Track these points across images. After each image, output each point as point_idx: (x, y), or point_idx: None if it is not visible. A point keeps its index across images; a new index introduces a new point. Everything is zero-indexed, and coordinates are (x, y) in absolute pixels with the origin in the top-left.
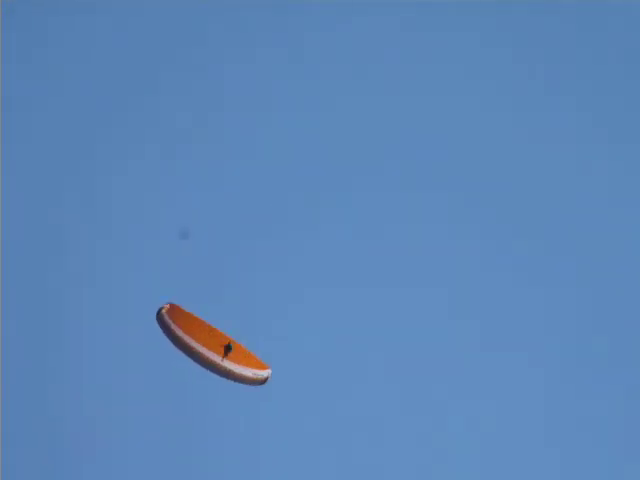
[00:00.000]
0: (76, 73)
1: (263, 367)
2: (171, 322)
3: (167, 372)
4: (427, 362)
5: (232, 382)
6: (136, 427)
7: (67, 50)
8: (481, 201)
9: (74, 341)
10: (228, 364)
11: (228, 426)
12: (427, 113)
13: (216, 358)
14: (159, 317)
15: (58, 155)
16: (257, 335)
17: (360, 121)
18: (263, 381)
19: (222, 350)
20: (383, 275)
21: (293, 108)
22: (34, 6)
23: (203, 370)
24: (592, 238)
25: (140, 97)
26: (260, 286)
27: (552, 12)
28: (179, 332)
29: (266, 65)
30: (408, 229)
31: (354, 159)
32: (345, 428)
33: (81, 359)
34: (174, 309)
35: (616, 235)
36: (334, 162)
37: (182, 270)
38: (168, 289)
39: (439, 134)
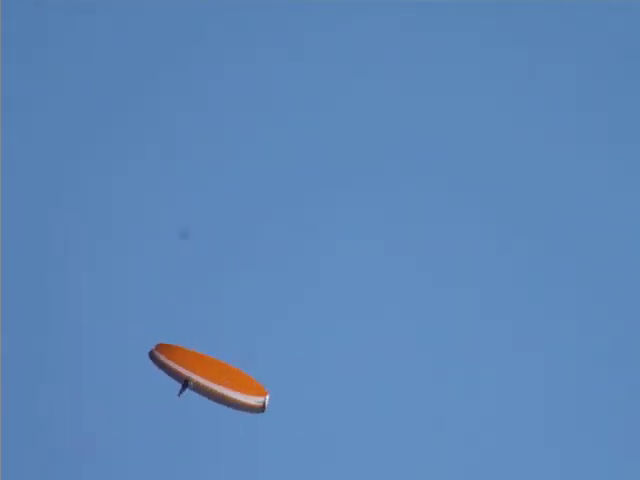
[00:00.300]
0: (76, 73)
1: (262, 393)
2: (167, 360)
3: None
4: (427, 362)
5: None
6: (134, 429)
7: (67, 50)
8: (482, 201)
9: (73, 341)
10: (228, 392)
11: (227, 428)
12: (427, 113)
13: (216, 387)
14: (154, 359)
15: (58, 155)
16: (256, 338)
17: (360, 121)
18: (262, 408)
19: (221, 379)
20: (385, 277)
21: (293, 108)
22: (34, 6)
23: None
24: (594, 238)
25: (140, 97)
26: (260, 287)
27: (553, 12)
28: (174, 365)
29: (266, 65)
30: (410, 228)
31: (354, 158)
32: (346, 433)
33: (80, 359)
34: (165, 348)
35: (618, 234)
36: (334, 162)
37: (181, 270)
38: (168, 289)
39: (440, 134)
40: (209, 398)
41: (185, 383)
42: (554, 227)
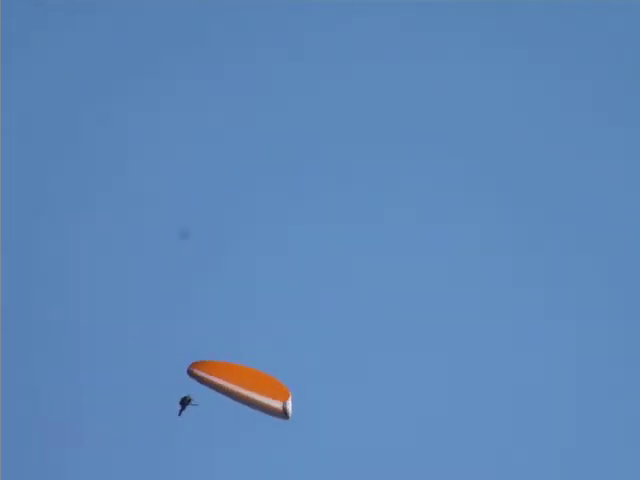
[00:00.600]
0: (75, 73)
1: (285, 395)
2: (203, 373)
3: (169, 371)
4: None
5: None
6: (135, 428)
7: (67, 50)
8: (481, 200)
9: (73, 340)
10: (256, 395)
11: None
12: (427, 112)
13: (241, 390)
14: (192, 374)
15: (58, 154)
16: (259, 330)
17: (360, 120)
18: (285, 413)
19: (247, 383)
20: (387, 275)
21: (293, 107)
22: (34, 6)
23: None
24: (602, 234)
25: (139, 97)
26: (261, 279)
27: (553, 12)
28: (212, 378)
29: (266, 65)
30: (408, 229)
31: (353, 155)
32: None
33: (79, 359)
34: (199, 364)
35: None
36: (334, 159)
37: (181, 267)
38: (168, 285)
39: (439, 133)
40: (242, 403)
41: (183, 402)
42: (569, 221)
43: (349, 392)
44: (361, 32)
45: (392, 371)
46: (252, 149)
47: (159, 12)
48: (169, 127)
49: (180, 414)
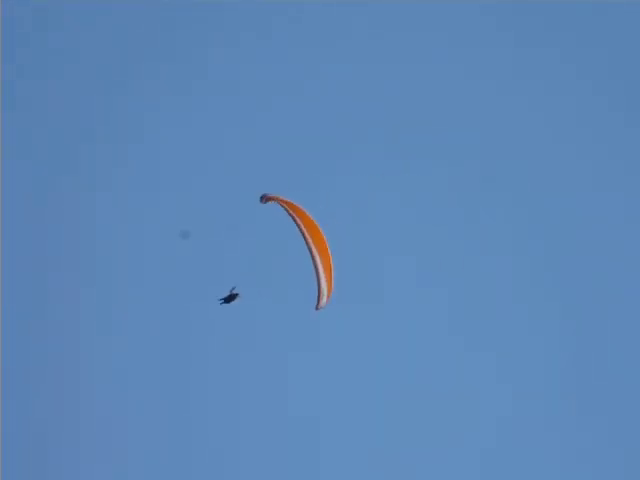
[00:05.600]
0: (72, 70)
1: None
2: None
3: (170, 370)
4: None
5: None
6: (135, 430)
7: (62, 49)
8: (482, 201)
9: (73, 339)
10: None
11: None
12: (427, 112)
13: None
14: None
15: (57, 153)
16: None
17: (357, 120)
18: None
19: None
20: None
21: (292, 106)
22: (34, 4)
23: None
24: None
25: (139, 96)
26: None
27: (553, 11)
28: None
29: (265, 64)
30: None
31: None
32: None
33: (78, 357)
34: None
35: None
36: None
37: (182, 268)
38: (169, 284)
39: (437, 136)
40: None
41: (230, 297)
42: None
43: None
44: (361, 30)
45: None
46: (249, 148)
47: (157, 11)
48: (168, 124)
49: (230, 301)
